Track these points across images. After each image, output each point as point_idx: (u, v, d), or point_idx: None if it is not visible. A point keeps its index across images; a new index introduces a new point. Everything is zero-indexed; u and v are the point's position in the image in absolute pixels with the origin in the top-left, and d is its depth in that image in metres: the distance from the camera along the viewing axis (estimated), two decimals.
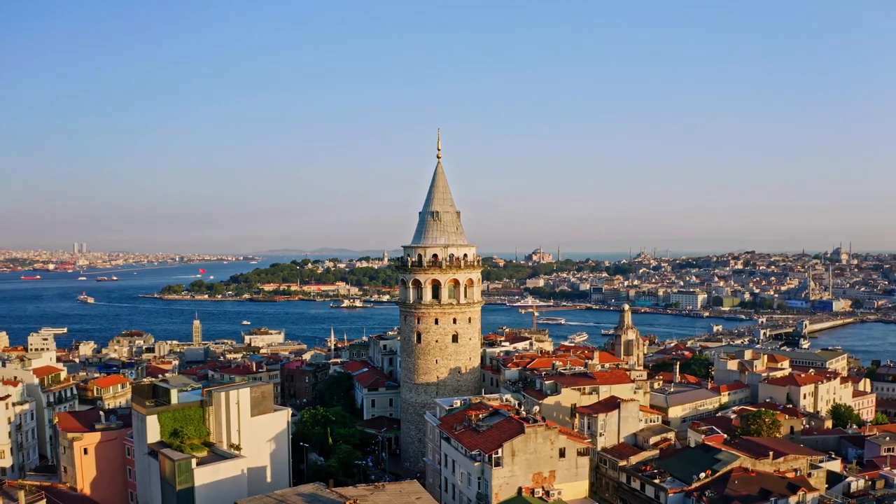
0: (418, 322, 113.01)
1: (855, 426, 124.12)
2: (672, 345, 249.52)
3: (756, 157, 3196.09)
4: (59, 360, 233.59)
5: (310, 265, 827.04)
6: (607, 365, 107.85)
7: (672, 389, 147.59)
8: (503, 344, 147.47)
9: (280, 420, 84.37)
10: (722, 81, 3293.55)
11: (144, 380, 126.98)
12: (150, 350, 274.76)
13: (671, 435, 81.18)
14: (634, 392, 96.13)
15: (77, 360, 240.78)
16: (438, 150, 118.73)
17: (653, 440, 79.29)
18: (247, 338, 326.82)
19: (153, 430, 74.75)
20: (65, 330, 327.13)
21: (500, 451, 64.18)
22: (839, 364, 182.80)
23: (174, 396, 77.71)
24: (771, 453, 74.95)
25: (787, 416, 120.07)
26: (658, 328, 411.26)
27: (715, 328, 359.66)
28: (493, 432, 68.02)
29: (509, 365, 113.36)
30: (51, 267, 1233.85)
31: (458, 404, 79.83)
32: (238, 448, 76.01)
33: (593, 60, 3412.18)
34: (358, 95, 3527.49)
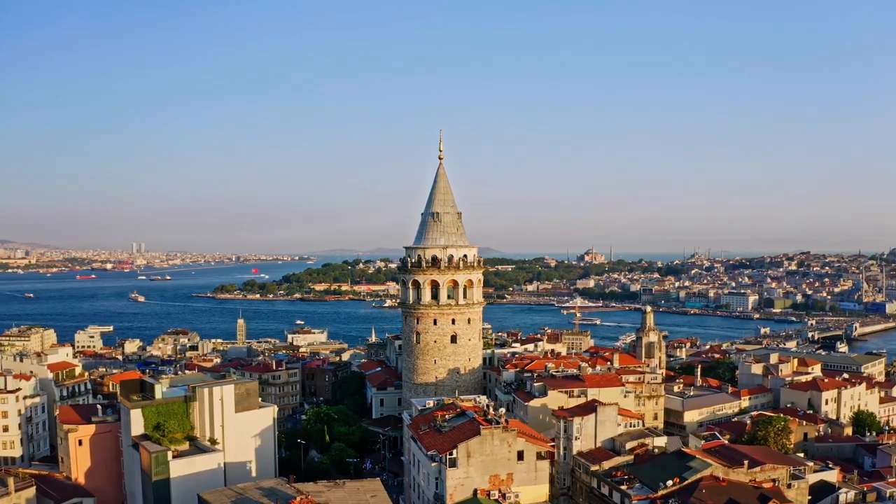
0: (417, 322, 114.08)
1: (874, 433, 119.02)
2: (706, 347, 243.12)
3: (816, 155, 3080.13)
4: (102, 356, 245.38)
5: (361, 265, 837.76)
6: (599, 368, 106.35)
7: (692, 393, 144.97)
8: (514, 345, 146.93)
9: (266, 416, 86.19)
10: (775, 82, 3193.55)
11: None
12: (194, 348, 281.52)
13: (649, 440, 79.52)
14: (625, 396, 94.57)
15: (120, 357, 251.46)
16: (440, 151, 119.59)
17: (629, 445, 77.93)
18: (290, 336, 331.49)
19: (137, 423, 77.67)
20: (111, 328, 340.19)
21: (454, 451, 64.34)
22: (875, 368, 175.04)
23: (158, 391, 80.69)
24: (746, 462, 72.54)
25: (801, 423, 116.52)
26: (706, 330, 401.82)
27: (762, 330, 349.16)
28: (453, 433, 68.27)
29: (507, 366, 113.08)
30: (108, 266, 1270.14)
31: (431, 404, 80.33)
32: (215, 442, 78.15)
33: (637, 68, 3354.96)
34: (413, 94, 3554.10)
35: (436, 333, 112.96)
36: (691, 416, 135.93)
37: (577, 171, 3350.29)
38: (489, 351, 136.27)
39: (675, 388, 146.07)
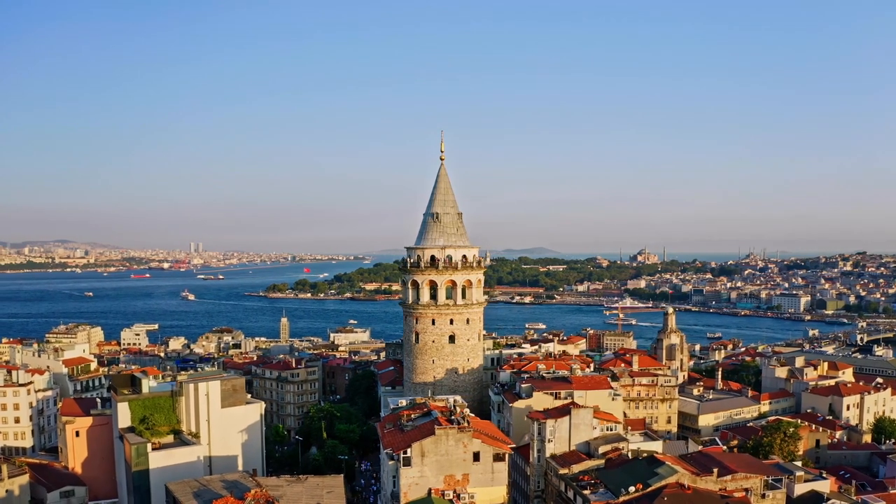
0: (416, 322, 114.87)
1: (892, 441, 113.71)
2: (742, 349, 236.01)
3: (877, 154, 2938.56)
4: (146, 353, 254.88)
5: None
6: (589, 370, 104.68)
7: (710, 396, 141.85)
8: (524, 346, 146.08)
9: (253, 412, 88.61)
10: (829, 84, 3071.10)
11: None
12: (237, 346, 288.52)
13: (623, 444, 78.06)
14: (612, 399, 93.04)
15: (162, 355, 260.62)
16: (442, 152, 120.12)
17: (602, 449, 76.74)
18: (332, 335, 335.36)
19: (124, 416, 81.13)
20: (156, 326, 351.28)
21: (409, 450, 64.87)
22: None
23: (145, 386, 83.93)
24: (715, 470, 70.46)
25: (814, 429, 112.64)
26: (755, 332, 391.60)
27: (811, 332, 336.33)
28: (413, 433, 68.84)
29: (505, 367, 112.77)
30: (165, 266, 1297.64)
31: (404, 403, 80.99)
32: (196, 436, 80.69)
33: (693, 72, 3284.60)
34: (465, 96, 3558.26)
35: (434, 333, 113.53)
36: (707, 420, 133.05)
37: (634, 171, 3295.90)
38: (497, 351, 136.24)
39: (695, 391, 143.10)
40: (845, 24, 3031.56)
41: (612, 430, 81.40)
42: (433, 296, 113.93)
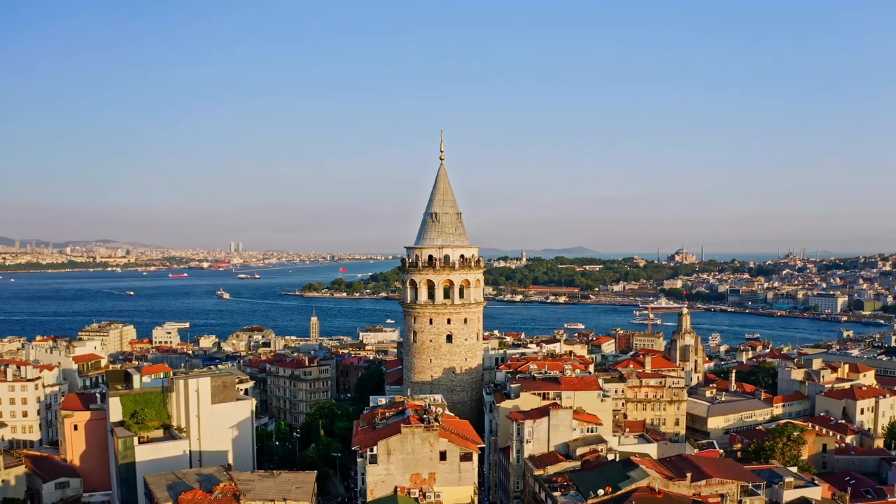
0: (414, 321, 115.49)
1: None
2: (766, 350, 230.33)
3: None
4: (175, 351, 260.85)
5: None
6: (578, 371, 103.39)
7: (722, 399, 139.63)
8: (529, 346, 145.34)
9: (243, 409, 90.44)
10: (863, 84, 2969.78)
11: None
12: (267, 345, 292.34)
13: (602, 446, 77.19)
14: (602, 400, 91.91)
15: (191, 352, 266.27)
16: (441, 151, 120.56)
17: (580, 451, 76.08)
18: (361, 334, 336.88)
19: (115, 410, 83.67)
20: (187, 324, 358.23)
21: (374, 448, 65.40)
22: None
23: (136, 382, 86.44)
24: (689, 475, 69.16)
25: (822, 433, 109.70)
26: (790, 332, 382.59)
27: (846, 333, 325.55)
28: (382, 431, 69.41)
29: (501, 367, 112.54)
30: (205, 265, 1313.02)
31: (383, 402, 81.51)
32: (182, 430, 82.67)
33: (732, 74, 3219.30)
34: (504, 99, 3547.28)
35: (431, 333, 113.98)
36: (716, 423, 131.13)
37: (676, 171, 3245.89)
38: (502, 351, 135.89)
39: (707, 393, 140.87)
40: (875, 24, 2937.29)
41: (592, 431, 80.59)
42: (431, 295, 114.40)
